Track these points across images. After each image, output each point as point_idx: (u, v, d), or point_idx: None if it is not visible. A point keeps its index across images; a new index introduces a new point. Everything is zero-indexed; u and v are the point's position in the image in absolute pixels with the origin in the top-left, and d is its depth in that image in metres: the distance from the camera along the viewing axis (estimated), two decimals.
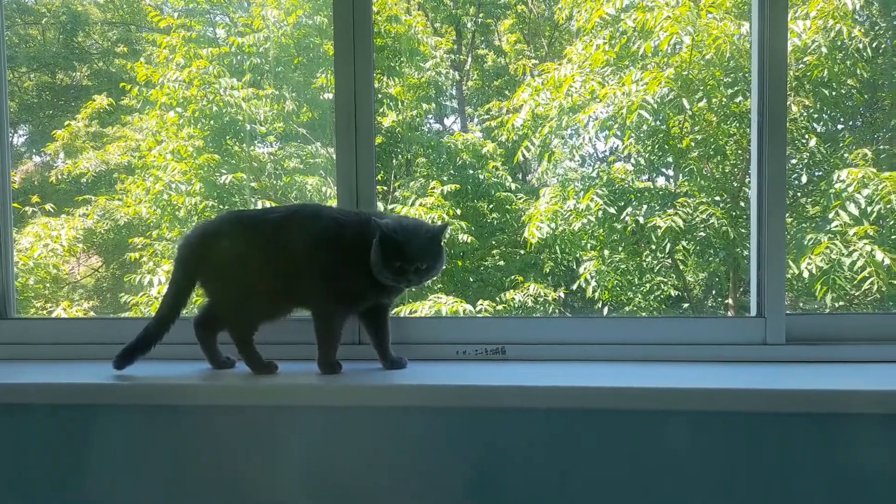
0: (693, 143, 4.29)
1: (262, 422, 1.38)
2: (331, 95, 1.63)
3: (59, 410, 1.41)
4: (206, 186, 4.56)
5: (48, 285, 4.85)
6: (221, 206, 4.56)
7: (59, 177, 5.10)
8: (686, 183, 4.43)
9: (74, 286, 5.08)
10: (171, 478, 1.40)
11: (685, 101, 4.15)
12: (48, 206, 4.83)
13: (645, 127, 4.30)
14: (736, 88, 4.14)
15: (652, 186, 4.56)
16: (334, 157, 1.64)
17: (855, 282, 3.84)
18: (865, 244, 3.81)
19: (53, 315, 4.54)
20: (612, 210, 4.22)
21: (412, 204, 4.57)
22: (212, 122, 4.72)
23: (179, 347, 1.50)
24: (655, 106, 4.14)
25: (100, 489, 1.41)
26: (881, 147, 4.49)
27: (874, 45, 4.16)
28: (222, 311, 1.45)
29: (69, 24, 5.90)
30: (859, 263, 3.78)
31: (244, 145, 4.85)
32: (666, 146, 4.39)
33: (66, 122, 5.25)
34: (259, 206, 4.23)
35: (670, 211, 4.14)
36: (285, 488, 1.37)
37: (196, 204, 4.51)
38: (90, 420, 1.40)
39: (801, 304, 4.26)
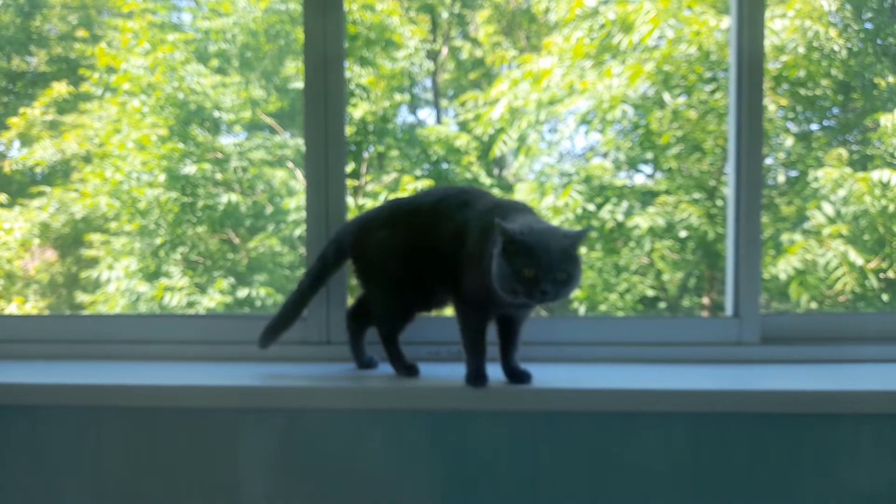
0: (673, 140, 4.23)
1: (222, 425, 1.31)
2: (301, 84, 1.54)
3: (7, 412, 1.33)
4: (168, 178, 4.38)
5: (1, 281, 4.64)
6: (185, 198, 4.37)
7: (13, 167, 4.88)
8: (665, 181, 4.38)
9: (28, 282, 4.86)
10: (122, 485, 1.32)
11: (666, 97, 4.10)
12: (1, 198, 4.62)
13: (625, 122, 4.23)
14: (716, 84, 4.10)
15: (630, 182, 4.49)
16: (303, 148, 1.55)
17: (828, 282, 3.83)
18: (839, 244, 3.80)
19: (6, 313, 4.34)
20: (590, 207, 4.14)
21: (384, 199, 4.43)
22: (177, 110, 4.54)
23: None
24: (637, 101, 4.08)
25: (44, 496, 1.33)
26: (853, 148, 4.50)
27: (848, 46, 4.16)
28: (374, 306, 1.36)
29: (26, 7, 5.66)
30: (833, 264, 3.77)
31: (209, 135, 4.66)
32: (646, 142, 4.32)
33: (22, 110, 5.02)
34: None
35: (651, 210, 4.08)
36: (246, 495, 1.30)
37: (158, 196, 4.34)
38: (40, 422, 1.33)
39: (774, 305, 4.24)
